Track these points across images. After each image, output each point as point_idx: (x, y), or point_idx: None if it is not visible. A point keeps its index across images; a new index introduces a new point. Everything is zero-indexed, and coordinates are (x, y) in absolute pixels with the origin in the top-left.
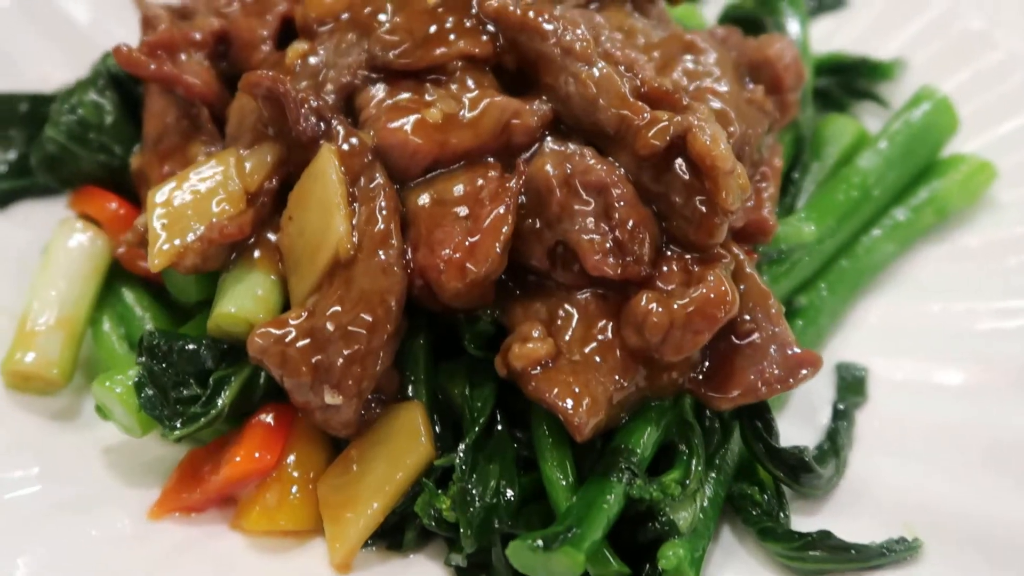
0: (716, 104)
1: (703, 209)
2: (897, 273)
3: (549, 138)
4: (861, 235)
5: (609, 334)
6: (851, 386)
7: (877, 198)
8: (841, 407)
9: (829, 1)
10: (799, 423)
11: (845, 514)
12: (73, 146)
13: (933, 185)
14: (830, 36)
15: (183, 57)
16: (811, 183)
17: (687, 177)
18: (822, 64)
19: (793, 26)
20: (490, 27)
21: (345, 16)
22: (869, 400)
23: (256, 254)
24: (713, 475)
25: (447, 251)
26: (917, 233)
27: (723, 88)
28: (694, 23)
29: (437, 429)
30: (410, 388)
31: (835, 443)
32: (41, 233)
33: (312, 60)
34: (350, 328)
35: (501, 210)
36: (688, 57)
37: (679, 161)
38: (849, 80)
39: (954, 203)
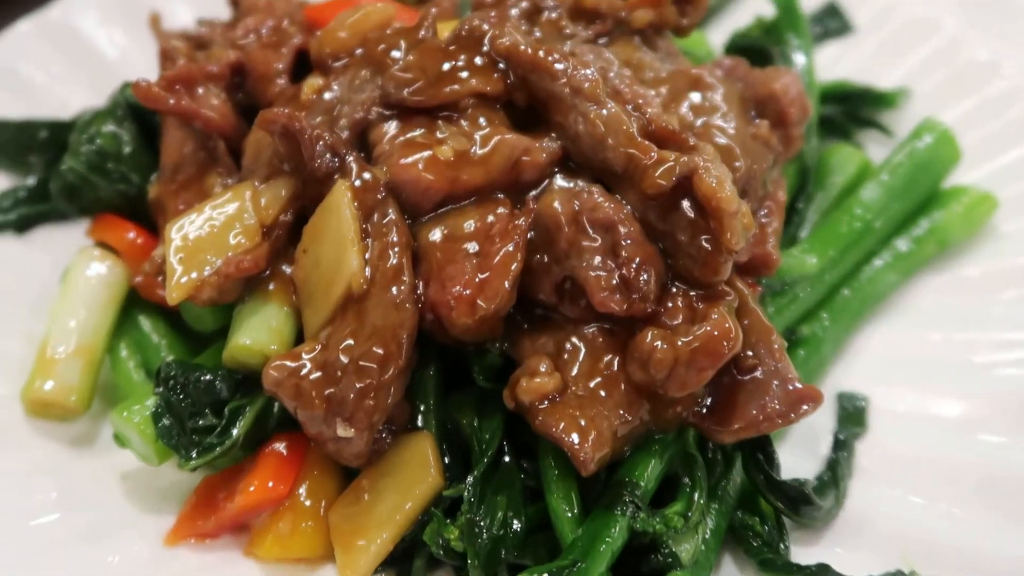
0: (722, 140)
1: (708, 248)
2: (898, 303)
3: (558, 175)
4: (863, 265)
5: (615, 369)
6: (852, 416)
7: (879, 229)
8: (842, 437)
9: (834, 27)
10: (800, 452)
11: (844, 545)
12: (92, 176)
13: (934, 216)
14: (835, 62)
15: (200, 90)
16: (815, 212)
17: (693, 216)
18: (827, 92)
19: (799, 57)
20: (501, 65)
21: (359, 52)
22: (869, 430)
23: (271, 286)
24: (715, 506)
25: (458, 288)
26: (919, 263)
27: (729, 124)
28: (702, 50)
29: (446, 459)
30: (420, 418)
31: (835, 474)
32: (60, 257)
33: (327, 95)
34: (362, 362)
35: (511, 247)
36: (695, 93)
37: (685, 201)
38: (853, 108)
39: (955, 234)
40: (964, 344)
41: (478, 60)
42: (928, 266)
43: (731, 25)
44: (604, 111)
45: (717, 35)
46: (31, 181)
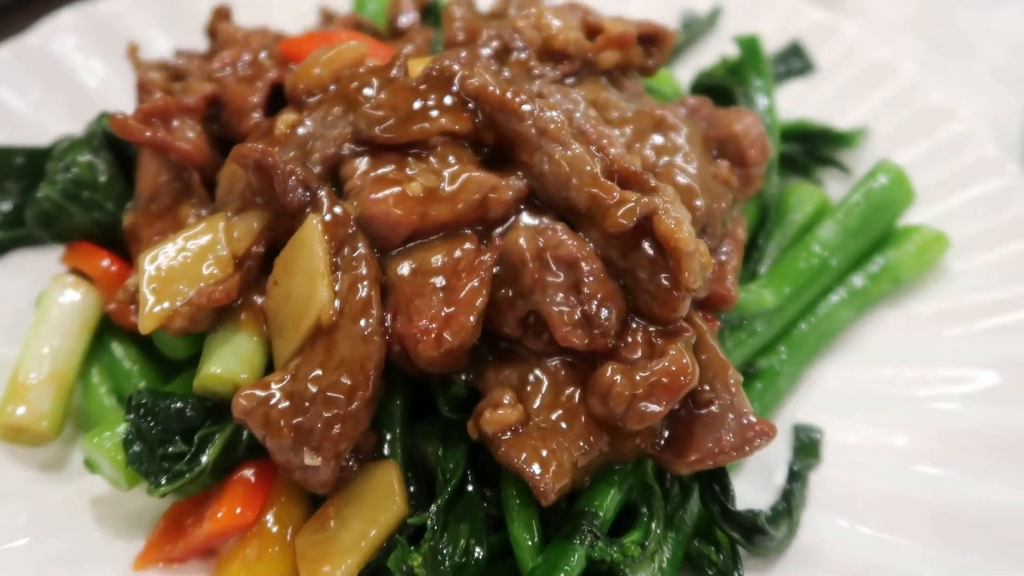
0: (683, 180)
1: (667, 285)
2: (853, 338)
3: (524, 212)
4: (820, 301)
5: (576, 401)
6: (806, 448)
7: (836, 267)
8: (796, 468)
9: (797, 67)
10: (756, 481)
11: (796, 573)
12: (68, 204)
13: (889, 254)
14: (797, 101)
15: (176, 123)
16: (775, 248)
17: (652, 255)
18: (788, 131)
19: (761, 98)
20: (470, 105)
21: (332, 88)
22: (823, 462)
23: (242, 316)
24: (672, 535)
25: (425, 321)
26: (873, 299)
27: (691, 165)
28: (669, 88)
29: (411, 488)
30: (386, 447)
31: (789, 504)
32: (34, 282)
33: (300, 131)
34: (330, 393)
35: (476, 283)
36: (658, 133)
37: (646, 240)
38: (813, 147)
39: (908, 272)
40: (914, 379)
41: (448, 99)
42: (882, 302)
43: (697, 63)
44: (569, 152)
45: (684, 72)
46: (6, 207)
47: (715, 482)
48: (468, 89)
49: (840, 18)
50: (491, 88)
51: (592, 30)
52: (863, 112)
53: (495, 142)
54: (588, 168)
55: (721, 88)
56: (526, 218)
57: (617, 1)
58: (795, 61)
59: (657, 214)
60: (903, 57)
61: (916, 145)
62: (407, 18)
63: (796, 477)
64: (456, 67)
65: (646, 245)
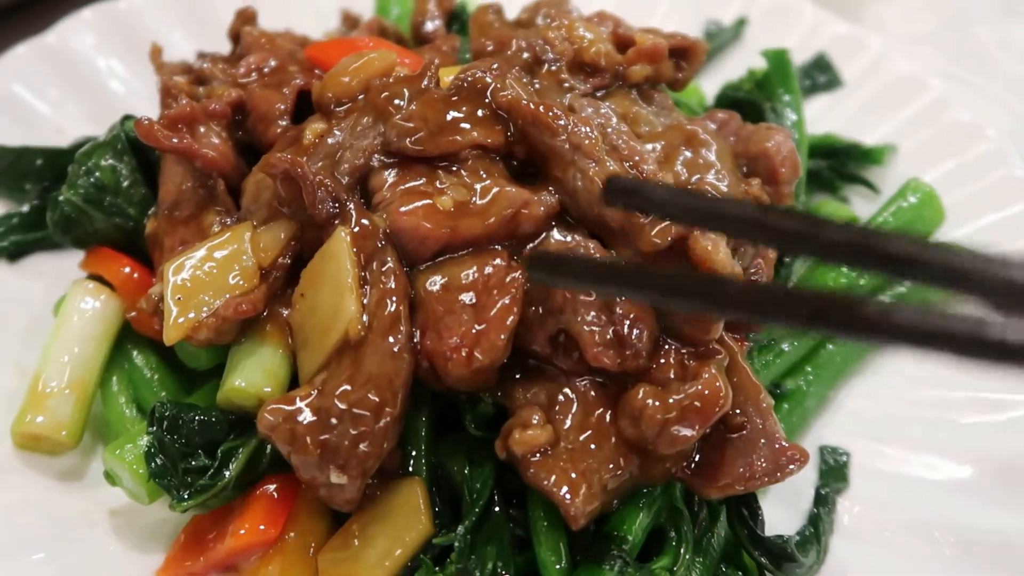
0: None
1: None
2: (881, 357)
3: (555, 229)
4: None
5: (606, 422)
6: (833, 471)
7: (864, 286)
8: (823, 492)
9: (823, 81)
10: (782, 504)
11: None
12: (89, 209)
13: None
14: (823, 116)
15: (201, 129)
16: (801, 266)
17: None
18: (814, 147)
19: (789, 113)
20: (502, 116)
21: (361, 98)
22: (851, 486)
23: (267, 328)
24: (700, 560)
25: (455, 339)
26: None
27: (722, 182)
28: (695, 99)
29: (436, 507)
30: (411, 463)
31: (817, 529)
32: (53, 286)
33: (329, 140)
34: (357, 409)
35: (507, 301)
36: (690, 149)
37: (679, 261)
38: (840, 164)
39: (936, 294)
40: (943, 401)
41: (479, 112)
42: None
43: (722, 73)
44: (603, 168)
45: (707, 82)
46: (25, 208)
47: (744, 506)
48: (500, 102)
49: (865, 31)
50: (524, 102)
51: (623, 42)
52: (889, 128)
53: (526, 156)
54: None
55: (748, 101)
56: (557, 235)
57: (642, 10)
58: (820, 74)
59: (693, 235)
60: (928, 70)
61: (944, 163)
62: (432, 24)
63: (823, 501)
64: (488, 79)
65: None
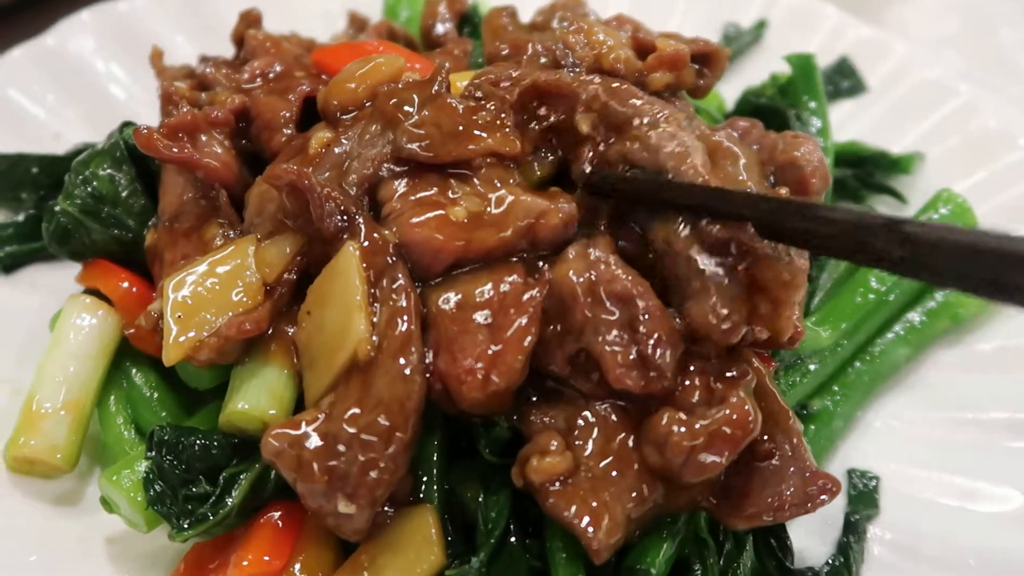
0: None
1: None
2: (910, 377)
3: (574, 243)
4: (875, 338)
5: (629, 448)
6: (863, 496)
7: (892, 302)
8: (853, 519)
9: (846, 86)
10: (809, 530)
11: None
12: (86, 220)
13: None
14: (846, 122)
15: (203, 137)
16: (827, 280)
17: None
18: (840, 155)
19: (815, 121)
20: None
21: (369, 105)
22: (881, 513)
23: (271, 347)
24: None
25: (469, 361)
26: (931, 338)
27: None
28: (713, 104)
29: (449, 537)
30: (422, 489)
31: (847, 559)
32: (48, 300)
33: (336, 150)
34: (366, 435)
35: (524, 320)
36: (715, 160)
37: None
38: (867, 173)
39: (969, 308)
40: (975, 423)
41: (494, 118)
42: (941, 340)
43: (741, 77)
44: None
45: (727, 88)
46: (20, 218)
47: (772, 536)
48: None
49: (889, 35)
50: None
51: (643, 48)
52: (915, 135)
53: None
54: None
55: (771, 108)
56: (577, 249)
57: (658, 12)
58: (842, 80)
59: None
60: (954, 75)
61: (974, 173)
62: (443, 27)
63: (853, 529)
64: (505, 81)
65: None
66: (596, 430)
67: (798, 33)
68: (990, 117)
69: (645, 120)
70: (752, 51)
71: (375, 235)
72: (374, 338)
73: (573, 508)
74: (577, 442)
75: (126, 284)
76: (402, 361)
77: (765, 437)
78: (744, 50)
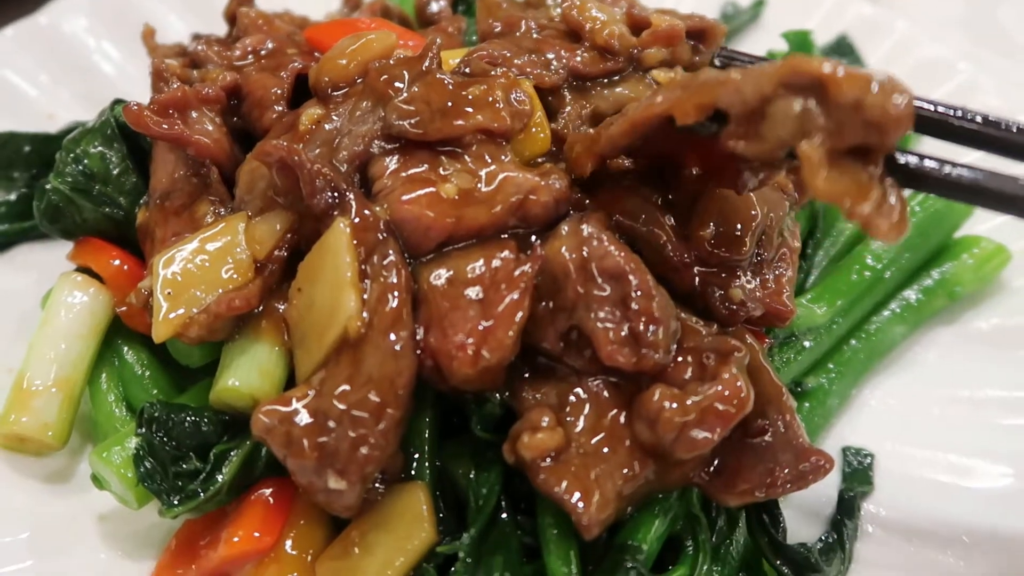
0: None
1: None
2: (906, 355)
3: (566, 220)
4: (871, 316)
5: (620, 425)
6: (857, 474)
7: (889, 280)
8: (847, 496)
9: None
10: (803, 507)
11: None
12: (77, 198)
13: (945, 267)
14: None
15: (194, 114)
16: (823, 259)
17: None
18: None
19: None
20: (515, 96)
21: (360, 81)
22: (876, 489)
23: (262, 324)
24: (718, 569)
25: (460, 336)
26: (927, 315)
27: None
28: None
29: (440, 513)
30: (414, 466)
31: (840, 535)
32: (41, 279)
33: (326, 126)
34: (357, 411)
35: (516, 296)
36: None
37: None
38: None
39: (966, 286)
40: (971, 401)
41: (486, 95)
42: (937, 318)
43: None
44: None
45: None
46: (12, 197)
47: (764, 512)
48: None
49: (889, 12)
50: None
51: (637, 24)
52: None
53: None
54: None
55: None
56: (569, 226)
57: None
58: (841, 58)
59: None
60: (956, 55)
61: (971, 152)
62: (437, 5)
63: (847, 506)
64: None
65: None
66: (588, 406)
67: (797, 11)
68: (991, 96)
69: None
70: (750, 30)
71: (366, 212)
72: (364, 315)
73: (564, 484)
74: (569, 418)
75: (117, 262)
76: (393, 337)
77: (758, 414)
78: (742, 28)
